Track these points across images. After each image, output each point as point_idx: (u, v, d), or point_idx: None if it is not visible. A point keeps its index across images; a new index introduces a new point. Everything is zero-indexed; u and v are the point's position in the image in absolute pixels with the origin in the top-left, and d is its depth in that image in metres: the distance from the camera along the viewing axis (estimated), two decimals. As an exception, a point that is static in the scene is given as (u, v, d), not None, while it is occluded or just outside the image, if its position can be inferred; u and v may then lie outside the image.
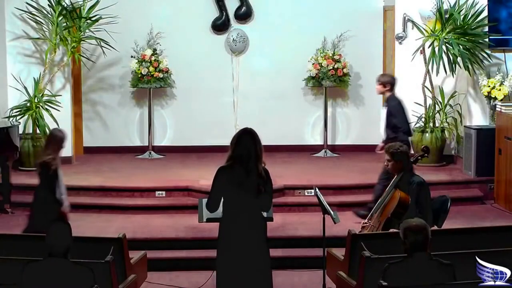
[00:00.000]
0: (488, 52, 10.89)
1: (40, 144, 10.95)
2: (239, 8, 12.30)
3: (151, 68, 11.76)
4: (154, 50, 11.92)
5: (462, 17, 10.90)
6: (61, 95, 11.29)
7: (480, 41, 10.86)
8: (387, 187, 7.49)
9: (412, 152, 9.53)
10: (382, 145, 8.96)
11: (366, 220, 7.39)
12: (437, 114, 11.23)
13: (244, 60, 12.36)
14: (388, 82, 9.22)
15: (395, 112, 9.12)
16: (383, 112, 9.30)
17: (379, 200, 7.44)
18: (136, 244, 7.79)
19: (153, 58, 11.82)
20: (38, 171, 7.76)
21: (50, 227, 5.27)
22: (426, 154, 7.82)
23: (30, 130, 11.09)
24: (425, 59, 11.10)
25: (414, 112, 11.29)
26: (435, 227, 7.09)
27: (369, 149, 12.19)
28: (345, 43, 12.16)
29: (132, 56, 11.90)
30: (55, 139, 7.82)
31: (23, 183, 10.05)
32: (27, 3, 11.09)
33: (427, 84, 11.20)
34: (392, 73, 11.84)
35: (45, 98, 11.06)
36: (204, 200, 6.24)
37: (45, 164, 7.65)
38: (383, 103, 9.28)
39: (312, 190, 7.64)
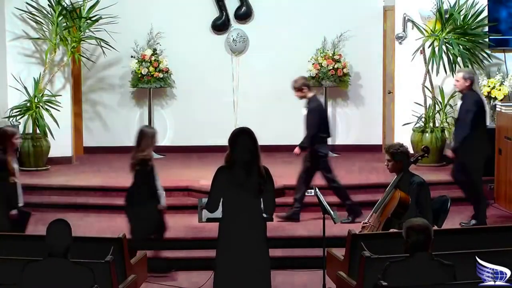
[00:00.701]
0: (488, 52, 10.90)
1: (40, 144, 10.96)
2: (239, 8, 12.30)
3: (151, 68, 11.77)
4: (154, 50, 11.92)
5: (462, 17, 10.91)
6: (61, 95, 11.29)
7: (480, 41, 10.87)
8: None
9: (412, 152, 9.53)
10: (299, 148, 9.25)
11: (366, 220, 7.39)
12: (437, 114, 11.24)
13: (244, 60, 12.36)
14: (303, 85, 9.23)
15: (311, 113, 9.16)
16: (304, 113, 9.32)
17: (379, 200, 7.45)
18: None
19: (153, 58, 11.82)
20: (135, 169, 7.84)
21: (49, 227, 5.27)
22: (426, 154, 7.82)
23: (30, 130, 11.09)
24: (425, 59, 11.10)
25: (414, 112, 11.30)
26: (435, 227, 7.08)
27: (369, 149, 12.23)
28: (345, 43, 12.16)
29: (132, 56, 11.90)
30: (147, 136, 7.96)
31: (23, 183, 10.03)
32: (27, 3, 11.09)
33: (427, 84, 11.21)
34: (392, 74, 11.87)
35: (45, 98, 11.06)
36: (204, 200, 6.24)
37: (143, 161, 7.77)
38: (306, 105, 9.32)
39: (312, 190, 7.62)
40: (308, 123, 9.20)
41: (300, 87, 9.26)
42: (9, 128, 7.99)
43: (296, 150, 9.37)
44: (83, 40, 11.32)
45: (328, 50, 12.07)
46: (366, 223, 7.35)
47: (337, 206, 9.11)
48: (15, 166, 7.77)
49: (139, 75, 11.76)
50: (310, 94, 9.29)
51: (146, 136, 7.96)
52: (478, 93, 9.53)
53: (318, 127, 9.17)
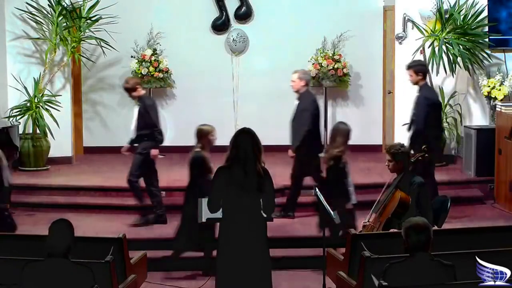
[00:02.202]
0: (488, 52, 10.90)
1: (40, 144, 10.96)
2: (239, 8, 12.31)
3: (151, 68, 11.77)
4: (154, 50, 11.92)
5: (462, 17, 10.90)
6: (61, 95, 11.30)
7: (480, 41, 10.86)
8: None
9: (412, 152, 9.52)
10: (128, 146, 9.23)
11: (366, 220, 7.39)
12: (437, 114, 11.23)
13: (244, 60, 12.36)
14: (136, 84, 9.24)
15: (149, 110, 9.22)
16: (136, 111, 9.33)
17: (379, 200, 7.45)
18: (136, 244, 7.79)
19: (153, 58, 11.82)
20: (329, 165, 7.94)
21: (52, 227, 5.26)
22: (426, 154, 7.82)
23: (30, 130, 11.09)
24: (425, 59, 11.10)
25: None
26: (435, 227, 7.08)
27: (369, 149, 12.22)
28: (345, 43, 12.16)
29: (132, 56, 11.91)
30: (343, 132, 8.11)
31: (23, 183, 10.06)
32: (27, 3, 11.09)
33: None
34: (392, 74, 11.87)
35: (45, 98, 11.06)
36: (204, 200, 6.25)
37: (336, 158, 7.90)
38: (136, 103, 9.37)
39: (312, 190, 7.63)
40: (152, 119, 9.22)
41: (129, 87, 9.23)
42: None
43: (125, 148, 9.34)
44: (83, 40, 11.33)
45: (328, 50, 12.07)
46: (366, 222, 7.35)
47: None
48: None
49: (139, 75, 11.76)
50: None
51: (341, 132, 8.11)
52: (312, 93, 9.73)
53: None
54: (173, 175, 10.45)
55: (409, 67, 9.29)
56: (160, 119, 9.35)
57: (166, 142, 12.32)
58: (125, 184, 9.86)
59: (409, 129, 9.22)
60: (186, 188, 8.23)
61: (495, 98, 10.62)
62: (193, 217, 7.15)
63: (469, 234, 7.02)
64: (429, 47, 11.03)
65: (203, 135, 8.13)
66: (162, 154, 11.97)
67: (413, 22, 11.30)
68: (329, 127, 12.31)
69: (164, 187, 9.82)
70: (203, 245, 7.85)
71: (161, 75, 11.80)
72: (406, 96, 11.41)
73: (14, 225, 8.15)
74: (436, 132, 9.29)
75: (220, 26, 12.31)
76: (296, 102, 9.35)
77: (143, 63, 11.79)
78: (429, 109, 9.06)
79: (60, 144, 11.22)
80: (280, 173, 9.84)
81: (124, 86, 9.28)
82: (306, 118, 9.15)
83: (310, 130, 9.15)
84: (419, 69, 9.19)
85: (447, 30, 10.91)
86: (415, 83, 9.23)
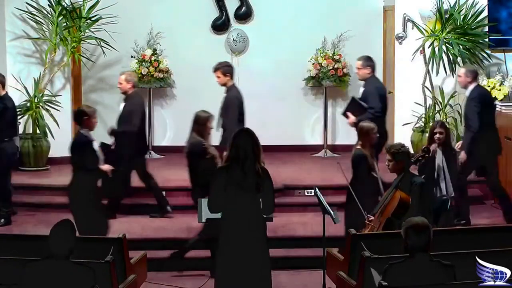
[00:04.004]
0: (488, 52, 10.90)
1: (40, 144, 10.95)
2: (239, 8, 12.30)
3: (151, 68, 11.77)
4: (154, 50, 11.92)
5: (462, 17, 10.90)
6: (61, 95, 11.30)
7: (480, 41, 10.87)
8: None
9: (412, 152, 9.54)
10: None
11: (367, 220, 7.39)
12: (437, 114, 11.23)
13: (244, 60, 12.35)
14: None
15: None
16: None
17: (380, 200, 7.46)
18: (136, 244, 7.79)
19: (153, 58, 11.82)
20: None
21: (54, 229, 5.25)
22: (426, 155, 7.82)
23: (30, 130, 11.08)
24: (425, 59, 11.10)
25: (414, 112, 11.30)
26: (435, 227, 7.09)
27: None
28: (345, 43, 12.15)
29: (132, 56, 11.90)
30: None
31: (24, 183, 10.05)
32: (27, 3, 11.09)
33: (427, 84, 11.20)
34: (392, 74, 11.87)
35: (45, 98, 11.06)
36: (204, 200, 6.25)
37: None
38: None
39: (312, 190, 7.64)
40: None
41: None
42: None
43: None
44: (83, 40, 11.32)
45: (328, 50, 12.07)
46: (369, 221, 7.34)
47: (337, 206, 9.11)
48: None
49: (139, 75, 11.76)
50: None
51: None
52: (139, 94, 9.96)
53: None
54: (174, 175, 10.45)
55: (216, 69, 9.48)
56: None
57: (166, 142, 12.39)
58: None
59: (218, 129, 9.35)
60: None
61: (495, 98, 10.61)
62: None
63: (469, 234, 7.02)
64: (429, 47, 11.03)
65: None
66: (162, 154, 12.01)
67: (413, 22, 11.30)
68: (329, 127, 12.35)
69: (164, 187, 9.82)
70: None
71: (161, 75, 11.80)
72: (406, 96, 11.44)
73: None
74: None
75: (220, 26, 12.31)
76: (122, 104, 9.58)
77: (143, 63, 11.79)
78: (240, 110, 9.35)
79: (60, 144, 11.18)
80: (280, 173, 9.87)
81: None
82: (134, 119, 9.37)
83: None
84: (226, 70, 9.40)
85: (447, 30, 10.91)
86: (223, 84, 9.44)
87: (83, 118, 7.92)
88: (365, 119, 8.83)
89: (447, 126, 8.58)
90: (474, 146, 8.94)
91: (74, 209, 7.79)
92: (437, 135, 8.26)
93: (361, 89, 9.60)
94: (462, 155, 8.88)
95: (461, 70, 9.41)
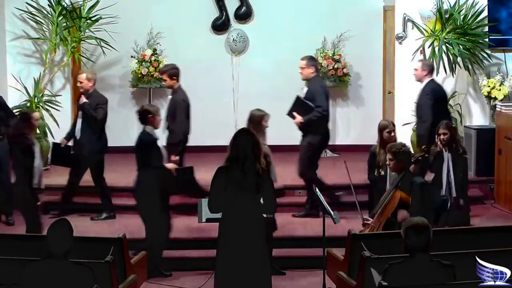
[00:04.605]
0: (488, 52, 10.90)
1: (40, 144, 10.93)
2: (239, 8, 12.31)
3: (151, 68, 11.77)
4: (154, 50, 11.92)
5: (462, 17, 10.90)
6: (61, 95, 11.30)
7: (480, 41, 10.86)
8: None
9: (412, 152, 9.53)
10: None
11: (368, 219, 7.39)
12: (437, 114, 11.23)
13: (244, 60, 12.35)
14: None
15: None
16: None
17: (380, 200, 7.46)
18: (136, 244, 7.79)
19: (153, 58, 11.82)
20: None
21: (51, 228, 5.25)
22: (426, 155, 7.82)
23: (30, 130, 11.07)
24: (425, 59, 11.09)
25: (414, 112, 11.27)
26: (435, 227, 7.09)
27: (369, 149, 12.19)
28: (345, 43, 12.16)
29: (132, 56, 11.90)
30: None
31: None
32: (27, 3, 11.09)
33: (427, 84, 11.19)
34: (392, 74, 11.87)
35: (45, 98, 11.07)
36: (204, 200, 6.25)
37: None
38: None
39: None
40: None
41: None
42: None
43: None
44: (83, 40, 11.33)
45: (328, 50, 12.07)
46: (368, 220, 7.34)
47: (337, 206, 9.12)
48: None
49: (139, 75, 11.76)
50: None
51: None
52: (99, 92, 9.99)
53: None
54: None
55: (163, 72, 9.58)
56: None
57: (166, 142, 12.35)
58: (125, 184, 9.89)
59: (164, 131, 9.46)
60: None
61: (495, 98, 10.62)
62: None
63: (469, 234, 7.02)
64: (429, 47, 11.03)
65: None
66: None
67: (413, 22, 11.30)
68: (329, 127, 12.32)
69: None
70: None
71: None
72: (406, 96, 11.43)
73: None
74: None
75: (220, 26, 12.31)
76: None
77: (143, 63, 11.79)
78: (186, 112, 9.51)
79: (60, 144, 11.20)
80: (280, 173, 9.84)
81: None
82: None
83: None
84: (172, 73, 9.48)
85: (447, 30, 10.91)
86: (170, 87, 9.52)
87: (147, 116, 8.04)
88: (312, 118, 8.94)
89: (453, 126, 8.61)
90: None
91: (141, 209, 7.83)
92: (441, 136, 8.30)
93: (305, 89, 9.64)
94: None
95: (418, 64, 9.67)
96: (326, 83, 11.92)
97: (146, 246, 7.66)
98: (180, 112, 9.38)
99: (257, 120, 8.09)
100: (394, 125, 8.66)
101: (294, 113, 9.31)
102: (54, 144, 9.73)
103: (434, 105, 9.36)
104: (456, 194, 8.27)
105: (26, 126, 8.31)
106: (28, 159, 8.12)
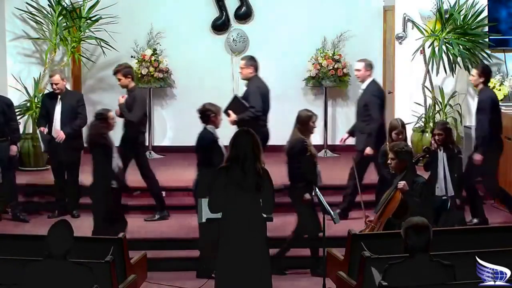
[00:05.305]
0: (488, 52, 10.90)
1: (40, 144, 10.93)
2: (239, 8, 12.30)
3: (151, 68, 11.77)
4: (154, 50, 11.92)
5: (462, 17, 10.90)
6: (61, 95, 11.28)
7: (480, 41, 10.86)
8: None
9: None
10: None
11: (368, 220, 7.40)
12: (437, 114, 11.23)
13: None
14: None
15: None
16: None
17: (380, 200, 7.47)
18: (136, 244, 7.79)
19: (153, 58, 11.82)
20: None
21: (51, 229, 5.25)
22: (427, 155, 7.83)
23: (30, 130, 11.09)
24: (425, 59, 11.10)
25: (414, 112, 11.29)
26: (435, 227, 7.09)
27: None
28: (345, 43, 12.16)
29: (132, 56, 11.90)
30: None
31: (23, 183, 10.04)
32: (27, 3, 11.09)
33: (427, 84, 11.20)
34: (392, 74, 11.86)
35: (45, 98, 11.05)
36: (204, 200, 6.25)
37: None
38: None
39: (312, 190, 7.64)
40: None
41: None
42: None
43: None
44: (83, 40, 11.33)
45: (328, 50, 12.07)
46: (370, 220, 7.35)
47: (337, 206, 9.12)
48: None
49: (139, 75, 11.76)
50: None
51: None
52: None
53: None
54: (174, 175, 10.45)
55: (117, 71, 9.52)
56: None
57: (166, 142, 12.37)
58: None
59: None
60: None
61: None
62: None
63: (469, 234, 7.02)
64: (429, 47, 11.03)
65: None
66: (162, 154, 12.01)
67: (413, 22, 11.29)
68: (329, 127, 12.35)
69: (164, 187, 9.82)
70: None
71: (161, 75, 11.80)
72: (406, 96, 11.44)
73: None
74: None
75: (220, 26, 12.31)
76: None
77: (143, 63, 11.79)
78: (144, 110, 9.51)
79: (60, 144, 11.20)
80: (280, 173, 9.84)
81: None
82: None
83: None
84: (127, 72, 9.47)
85: (447, 30, 10.91)
86: (125, 86, 9.50)
87: (209, 115, 8.11)
88: (245, 117, 8.99)
89: (448, 127, 8.60)
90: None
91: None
92: (436, 137, 8.32)
93: (244, 88, 9.64)
94: (368, 150, 9.09)
95: (360, 64, 9.61)
96: (327, 83, 11.96)
97: (198, 247, 7.77)
98: (139, 110, 9.41)
99: (305, 121, 8.09)
100: (404, 126, 8.59)
101: (229, 111, 9.31)
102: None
103: (382, 104, 9.34)
104: (454, 193, 8.28)
105: (103, 126, 8.28)
106: (106, 160, 8.09)
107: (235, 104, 9.39)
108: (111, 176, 8.16)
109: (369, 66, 9.57)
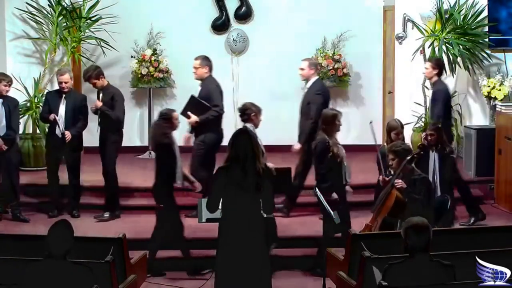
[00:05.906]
0: (488, 52, 10.90)
1: (40, 144, 10.94)
2: (239, 8, 12.31)
3: (151, 68, 11.77)
4: (154, 50, 11.92)
5: (462, 17, 10.91)
6: (61, 95, 11.28)
7: (480, 41, 10.87)
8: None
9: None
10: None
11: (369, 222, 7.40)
12: (437, 114, 11.22)
13: (244, 60, 12.35)
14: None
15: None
16: None
17: (378, 198, 7.47)
18: (136, 244, 7.78)
19: (153, 58, 11.82)
20: None
21: (51, 229, 5.25)
22: (422, 152, 7.82)
23: (30, 130, 11.09)
24: (425, 59, 11.10)
25: (414, 112, 11.29)
26: (436, 227, 7.09)
27: (369, 149, 12.19)
28: (345, 43, 12.16)
29: (132, 56, 11.90)
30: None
31: (23, 183, 10.03)
32: (27, 3, 11.09)
33: (427, 84, 11.19)
34: (392, 74, 11.87)
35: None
36: (204, 200, 6.25)
37: None
38: None
39: (312, 190, 7.63)
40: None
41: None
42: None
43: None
44: (83, 40, 11.33)
45: (328, 50, 12.07)
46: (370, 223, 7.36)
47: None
48: None
49: (139, 75, 11.76)
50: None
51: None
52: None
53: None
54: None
55: (89, 77, 9.56)
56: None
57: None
58: (125, 184, 9.89)
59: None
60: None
61: (495, 98, 10.62)
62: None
63: (469, 234, 7.02)
64: (429, 47, 11.03)
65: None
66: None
67: (413, 22, 11.30)
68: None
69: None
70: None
71: (161, 75, 11.80)
72: (406, 96, 11.44)
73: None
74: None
75: (220, 26, 12.31)
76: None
77: (143, 63, 11.79)
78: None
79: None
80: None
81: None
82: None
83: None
84: (99, 72, 9.50)
85: (447, 30, 10.91)
86: (101, 86, 9.55)
87: (250, 114, 8.19)
88: (209, 117, 9.05)
89: (440, 127, 8.59)
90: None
91: None
92: (428, 137, 8.37)
93: (199, 88, 9.59)
94: (296, 146, 9.28)
95: (304, 63, 9.65)
96: (327, 83, 11.96)
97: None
98: (120, 103, 9.47)
99: (331, 120, 7.99)
100: (402, 126, 8.62)
101: (189, 113, 9.28)
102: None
103: (324, 103, 9.33)
104: (447, 193, 8.28)
105: (167, 126, 8.25)
106: (170, 159, 8.06)
107: (194, 105, 9.32)
108: (176, 176, 8.10)
109: (313, 65, 9.67)
